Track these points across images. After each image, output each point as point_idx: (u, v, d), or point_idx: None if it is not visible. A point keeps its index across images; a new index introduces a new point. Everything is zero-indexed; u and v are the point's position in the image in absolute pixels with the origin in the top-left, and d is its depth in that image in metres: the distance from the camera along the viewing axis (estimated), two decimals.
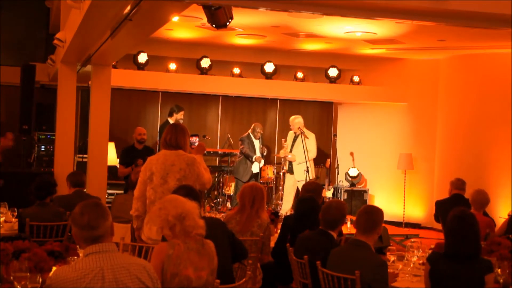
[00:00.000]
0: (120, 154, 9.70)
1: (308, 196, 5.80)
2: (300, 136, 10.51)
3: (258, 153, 11.28)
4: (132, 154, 9.22)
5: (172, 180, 5.13)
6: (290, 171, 10.73)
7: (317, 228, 4.97)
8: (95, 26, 7.02)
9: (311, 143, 10.57)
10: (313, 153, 10.54)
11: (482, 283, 3.89)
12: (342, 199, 12.03)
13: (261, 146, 11.36)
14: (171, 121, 10.39)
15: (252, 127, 11.41)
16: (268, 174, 11.83)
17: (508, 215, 6.67)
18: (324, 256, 4.44)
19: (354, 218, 4.60)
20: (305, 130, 10.57)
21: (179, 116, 10.55)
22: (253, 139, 11.30)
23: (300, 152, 10.42)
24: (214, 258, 3.77)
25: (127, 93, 12.41)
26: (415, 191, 12.51)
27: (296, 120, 10.63)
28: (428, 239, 9.69)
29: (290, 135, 10.81)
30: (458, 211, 4.10)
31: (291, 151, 10.67)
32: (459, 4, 5.64)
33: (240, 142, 11.38)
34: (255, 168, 11.30)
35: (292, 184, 10.73)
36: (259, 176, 11.39)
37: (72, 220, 3.08)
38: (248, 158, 11.24)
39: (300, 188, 10.34)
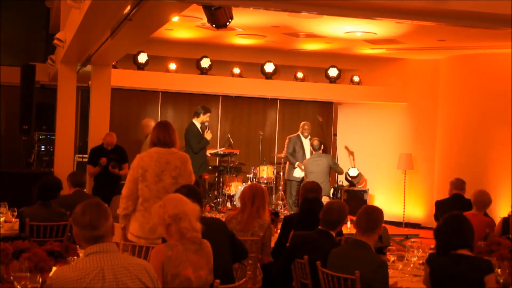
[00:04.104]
0: (88, 153, 9.52)
1: (313, 197, 5.81)
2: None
3: (308, 154, 11.00)
4: (100, 154, 9.15)
5: (168, 178, 5.11)
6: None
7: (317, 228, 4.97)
8: (95, 26, 7.03)
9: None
10: None
11: (482, 284, 3.90)
12: (342, 199, 12.04)
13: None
14: (196, 122, 10.21)
15: (301, 125, 11.27)
16: (268, 174, 11.82)
17: (508, 215, 6.66)
18: (324, 256, 4.44)
19: (354, 218, 4.60)
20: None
21: (205, 119, 10.26)
22: (303, 139, 11.11)
23: None
24: (212, 257, 3.76)
25: (127, 93, 12.40)
26: (415, 191, 12.51)
27: (149, 123, 10.24)
28: (428, 239, 9.67)
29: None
30: (449, 214, 4.21)
31: None
32: (459, 4, 5.64)
33: (287, 141, 11.21)
34: (297, 173, 11.01)
35: None
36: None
37: (74, 220, 3.07)
38: (291, 163, 11.12)
39: None
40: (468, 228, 4.09)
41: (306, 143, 11.12)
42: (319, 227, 4.88)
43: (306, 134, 11.12)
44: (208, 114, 10.32)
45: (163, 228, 3.71)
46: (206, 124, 10.31)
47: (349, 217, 8.71)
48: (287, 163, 11.36)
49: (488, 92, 11.49)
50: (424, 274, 4.17)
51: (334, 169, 10.78)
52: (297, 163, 10.97)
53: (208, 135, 10.20)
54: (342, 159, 12.62)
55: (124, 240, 5.17)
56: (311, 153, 10.84)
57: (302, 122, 11.33)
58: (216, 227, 4.48)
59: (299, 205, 11.14)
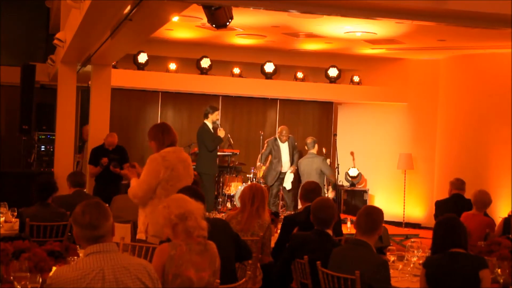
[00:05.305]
0: (90, 153, 9.49)
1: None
2: None
3: (285, 158, 10.91)
4: (101, 154, 9.13)
5: (187, 176, 5.17)
6: None
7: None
8: (95, 26, 7.03)
9: None
10: None
11: (477, 280, 3.94)
12: (342, 199, 12.06)
13: (291, 149, 10.92)
14: (207, 123, 10.19)
15: (278, 130, 11.13)
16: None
17: (509, 215, 6.67)
18: (324, 256, 4.44)
19: (354, 218, 4.60)
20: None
21: (214, 117, 10.22)
22: (280, 143, 10.89)
23: None
24: (217, 259, 3.76)
25: (127, 93, 12.40)
26: (415, 191, 12.51)
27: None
28: (428, 239, 9.60)
29: None
30: (443, 217, 4.29)
31: None
32: (459, 4, 5.64)
33: (265, 144, 11.08)
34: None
35: None
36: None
37: (74, 220, 3.07)
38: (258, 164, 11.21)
39: None
40: (462, 230, 4.12)
41: (284, 147, 10.93)
42: (315, 227, 4.87)
43: (283, 138, 10.91)
44: (216, 112, 10.34)
45: (169, 228, 3.70)
46: (218, 122, 10.36)
47: (349, 217, 8.72)
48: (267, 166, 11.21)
49: (488, 92, 11.49)
50: (420, 276, 4.17)
51: (326, 176, 10.66)
52: (258, 164, 11.09)
53: (221, 133, 10.25)
54: (342, 159, 12.62)
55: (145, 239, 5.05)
56: (291, 155, 10.86)
57: (280, 127, 11.27)
58: (220, 228, 4.48)
59: (280, 205, 11.30)
